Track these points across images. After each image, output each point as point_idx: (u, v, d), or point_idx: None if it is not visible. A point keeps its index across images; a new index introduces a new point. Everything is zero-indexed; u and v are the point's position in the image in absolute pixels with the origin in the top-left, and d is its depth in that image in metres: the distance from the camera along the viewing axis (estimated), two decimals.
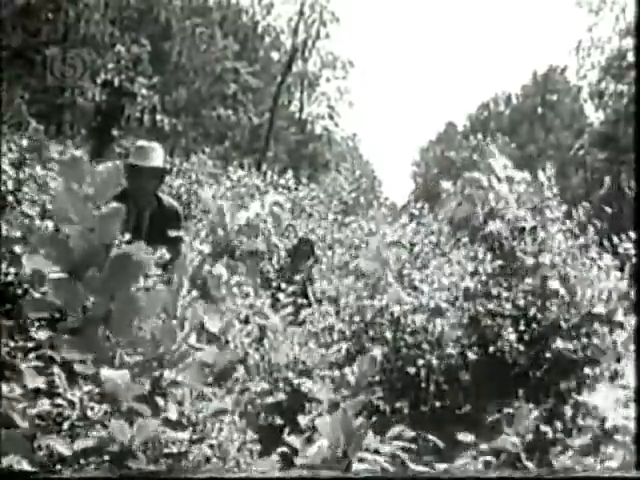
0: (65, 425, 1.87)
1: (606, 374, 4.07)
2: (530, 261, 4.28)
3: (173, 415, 1.89)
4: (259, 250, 7.19)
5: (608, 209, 4.58)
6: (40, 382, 1.94)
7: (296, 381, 2.64)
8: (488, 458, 2.84)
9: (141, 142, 4.92)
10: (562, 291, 4.19)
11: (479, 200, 4.40)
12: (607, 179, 6.04)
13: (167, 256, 3.04)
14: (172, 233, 4.13)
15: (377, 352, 2.55)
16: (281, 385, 2.92)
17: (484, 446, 2.60)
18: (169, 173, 5.31)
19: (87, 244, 1.88)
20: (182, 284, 2.18)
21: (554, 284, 4.19)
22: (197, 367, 2.07)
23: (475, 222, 4.43)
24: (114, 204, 1.95)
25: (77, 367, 1.98)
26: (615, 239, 4.60)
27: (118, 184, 2.01)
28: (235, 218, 6.90)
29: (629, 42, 31.40)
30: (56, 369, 1.96)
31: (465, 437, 2.90)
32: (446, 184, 4.81)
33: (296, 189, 12.13)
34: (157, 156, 4.66)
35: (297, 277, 7.06)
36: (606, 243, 4.62)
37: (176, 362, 1.97)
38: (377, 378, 4.36)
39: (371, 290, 4.81)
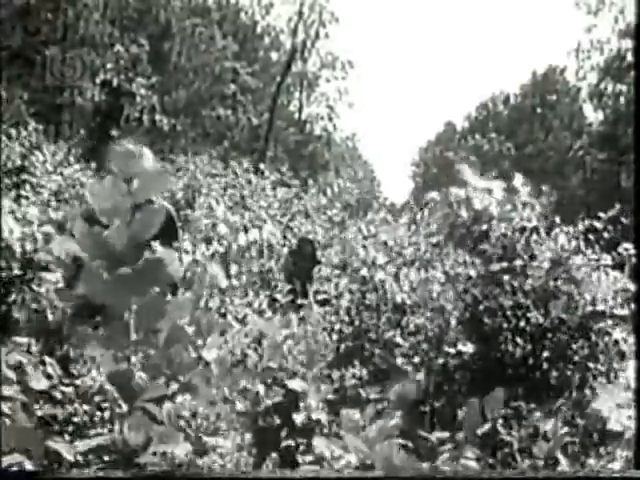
0: (70, 426, 1.87)
1: (608, 374, 4.08)
2: (531, 261, 4.29)
3: (167, 420, 1.89)
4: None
5: (624, 220, 4.59)
6: (44, 384, 1.94)
7: (288, 382, 2.65)
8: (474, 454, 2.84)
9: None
10: (563, 290, 4.20)
11: (463, 206, 4.45)
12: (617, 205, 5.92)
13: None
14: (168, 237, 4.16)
15: (421, 376, 2.56)
16: (276, 387, 2.93)
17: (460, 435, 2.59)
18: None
19: (121, 241, 1.88)
20: (202, 293, 2.18)
21: (555, 284, 4.20)
22: (203, 373, 2.08)
23: (461, 229, 4.47)
24: (155, 206, 1.95)
25: (74, 369, 1.99)
26: (609, 235, 4.61)
27: (163, 188, 2.00)
28: (236, 238, 6.95)
29: (628, 43, 31.46)
30: (47, 359, 1.97)
31: (442, 434, 2.90)
32: (432, 194, 4.88)
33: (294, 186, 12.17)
34: (146, 161, 4.65)
35: (297, 277, 7.06)
36: (604, 242, 4.62)
37: (186, 369, 1.98)
38: (375, 378, 4.36)
39: (371, 291, 4.81)
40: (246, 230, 8.30)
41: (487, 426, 2.42)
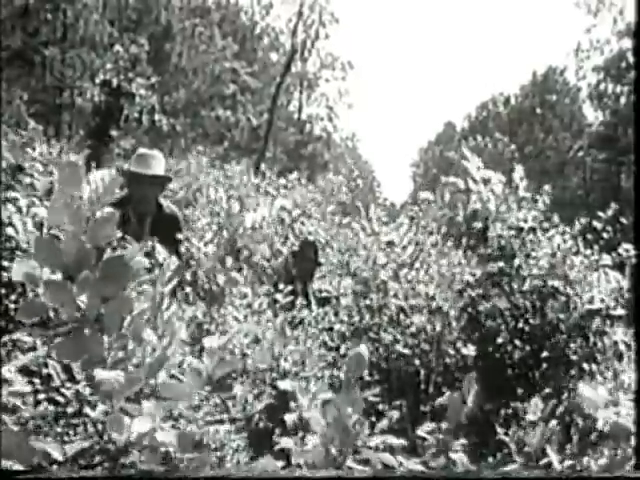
0: (60, 422, 1.87)
1: (606, 374, 4.08)
2: (529, 261, 4.29)
3: (158, 419, 1.89)
4: (263, 255, 7.18)
5: (623, 220, 4.57)
6: (28, 387, 1.94)
7: (279, 383, 2.64)
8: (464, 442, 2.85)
9: (142, 150, 4.94)
10: (561, 291, 4.20)
11: (460, 204, 4.42)
12: (613, 205, 5.89)
13: (173, 262, 3.05)
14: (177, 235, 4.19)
15: (364, 348, 2.52)
16: (268, 389, 2.93)
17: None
18: (170, 181, 5.35)
19: (78, 247, 1.89)
20: (165, 286, 2.18)
21: (553, 284, 4.21)
22: (191, 372, 2.08)
23: (458, 227, 4.45)
24: (108, 209, 1.96)
25: (73, 365, 1.99)
26: (608, 236, 4.61)
27: (114, 191, 2.03)
28: (243, 221, 6.88)
29: (627, 43, 31.51)
30: (50, 361, 1.97)
31: (428, 427, 2.90)
32: (425, 194, 4.85)
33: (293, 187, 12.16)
34: (158, 164, 4.70)
35: (298, 279, 7.04)
36: (603, 242, 4.62)
37: (159, 367, 1.98)
38: (375, 377, 4.36)
39: (370, 291, 4.80)
40: (255, 209, 8.27)
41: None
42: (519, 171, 4.57)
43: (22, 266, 1.92)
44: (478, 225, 4.36)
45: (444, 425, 2.56)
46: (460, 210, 4.41)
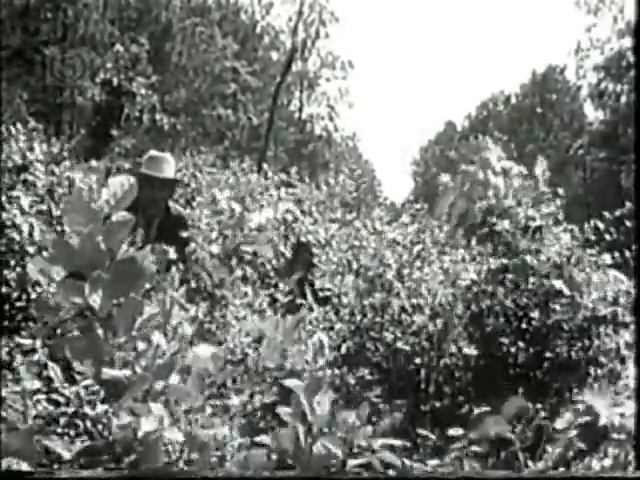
0: (62, 421, 1.87)
1: (607, 375, 4.07)
2: (533, 260, 4.28)
3: (166, 419, 1.88)
4: (265, 256, 7.18)
5: (628, 223, 4.54)
6: (37, 384, 1.95)
7: (286, 381, 2.64)
8: (479, 450, 2.85)
9: (153, 152, 4.95)
10: (565, 291, 4.18)
11: (477, 196, 4.40)
12: (629, 204, 5.69)
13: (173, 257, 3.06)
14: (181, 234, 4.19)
15: (322, 336, 2.57)
16: (273, 387, 2.93)
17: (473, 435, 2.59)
18: (180, 183, 5.36)
19: (92, 248, 1.90)
20: (178, 288, 2.19)
21: (557, 284, 4.19)
22: (194, 373, 2.09)
23: (472, 219, 4.43)
24: (123, 213, 1.98)
25: (77, 366, 1.99)
26: (615, 237, 4.58)
27: (132, 196, 2.04)
28: (247, 221, 6.88)
29: (628, 42, 31.47)
30: (50, 363, 1.98)
31: (456, 432, 2.91)
32: (445, 177, 4.79)
33: (295, 186, 12.10)
34: (169, 167, 4.73)
35: (295, 278, 7.03)
36: (605, 243, 4.60)
37: (167, 370, 1.97)
38: (376, 377, 4.35)
39: (371, 289, 4.79)
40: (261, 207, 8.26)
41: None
42: (541, 164, 4.51)
43: (37, 264, 1.93)
44: (492, 220, 4.33)
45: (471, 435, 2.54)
46: (477, 202, 4.39)
